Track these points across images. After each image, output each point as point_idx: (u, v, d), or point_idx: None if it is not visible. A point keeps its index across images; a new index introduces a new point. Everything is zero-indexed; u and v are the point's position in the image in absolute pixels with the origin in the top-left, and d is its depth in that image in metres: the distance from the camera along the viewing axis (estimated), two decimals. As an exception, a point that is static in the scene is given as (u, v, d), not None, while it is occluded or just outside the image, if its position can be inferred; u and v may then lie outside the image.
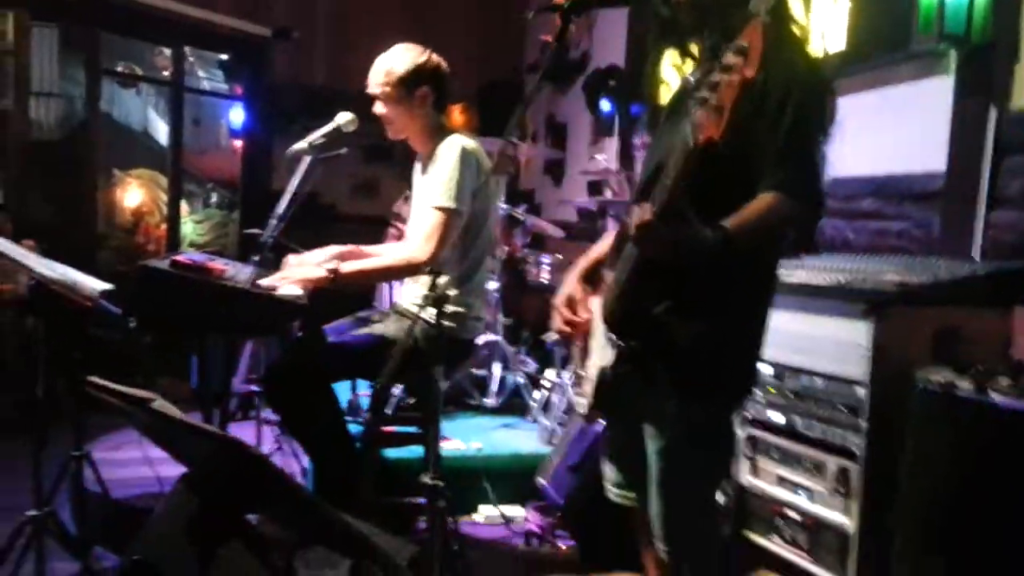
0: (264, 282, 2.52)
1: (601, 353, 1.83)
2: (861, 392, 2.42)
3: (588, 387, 1.88)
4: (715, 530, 1.86)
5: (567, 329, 1.94)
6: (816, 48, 3.45)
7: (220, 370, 2.97)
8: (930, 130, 2.99)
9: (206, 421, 2.75)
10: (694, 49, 1.86)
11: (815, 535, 2.62)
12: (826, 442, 2.57)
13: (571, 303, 1.94)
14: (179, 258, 2.45)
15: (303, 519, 1.78)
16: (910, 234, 3.10)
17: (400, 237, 3.69)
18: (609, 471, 2.04)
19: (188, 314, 2.46)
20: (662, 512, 1.80)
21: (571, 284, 1.96)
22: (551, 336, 3.79)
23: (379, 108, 2.83)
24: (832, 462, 2.52)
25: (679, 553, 1.83)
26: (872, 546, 2.40)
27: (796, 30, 1.86)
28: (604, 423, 2.10)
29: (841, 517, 2.50)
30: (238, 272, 2.59)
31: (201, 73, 7.39)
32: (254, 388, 4.16)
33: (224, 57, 6.85)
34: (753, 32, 1.35)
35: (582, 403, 1.93)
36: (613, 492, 2.03)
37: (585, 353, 1.94)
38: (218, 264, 2.54)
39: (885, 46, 3.18)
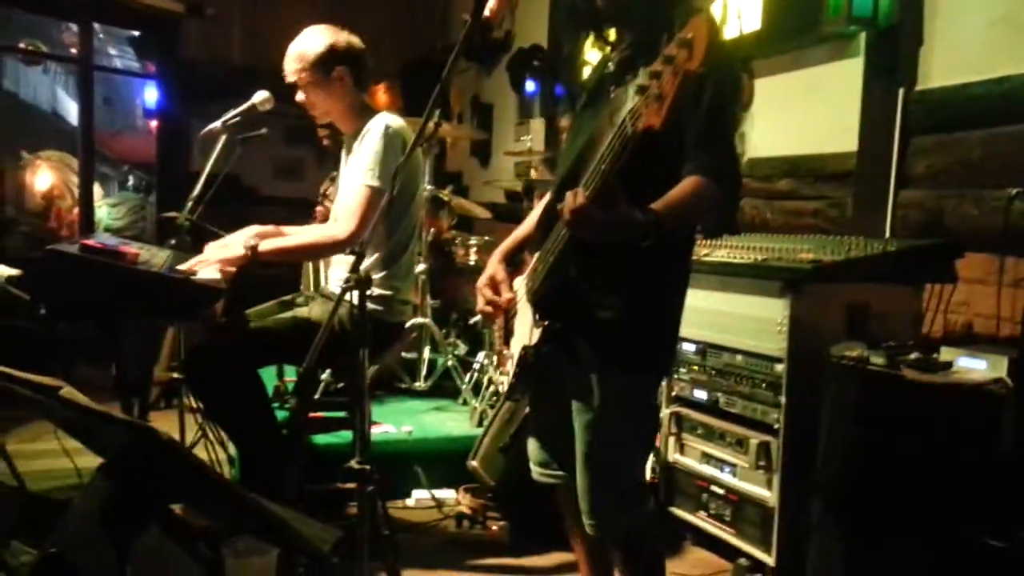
0: (182, 266, 2.45)
1: (525, 332, 1.84)
2: (780, 368, 2.49)
3: (511, 366, 1.89)
4: (642, 504, 1.89)
5: (489, 309, 1.95)
6: (732, 28, 3.51)
7: (140, 358, 2.88)
8: (842, 111, 3.07)
9: (126, 411, 2.67)
10: (610, 34, 1.88)
11: (739, 509, 2.69)
12: (748, 418, 2.64)
13: (494, 283, 1.96)
14: (89, 242, 2.35)
15: (222, 507, 1.74)
16: (825, 213, 3.19)
17: (327, 217, 3.63)
18: (533, 450, 2.05)
19: (100, 300, 2.36)
20: (589, 486, 1.83)
21: (494, 265, 1.99)
22: (477, 317, 3.79)
23: (300, 96, 2.77)
24: (754, 437, 2.59)
25: (605, 527, 1.86)
26: (792, 518, 2.48)
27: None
28: (529, 402, 2.12)
29: (763, 491, 2.57)
30: (153, 256, 2.51)
31: (112, 50, 7.12)
32: (176, 376, 4.05)
33: (135, 33, 6.60)
34: (698, 26, 1.37)
35: (504, 382, 1.94)
36: (537, 471, 2.04)
37: (508, 333, 1.96)
38: (131, 248, 2.45)
39: (798, 28, 3.25)
